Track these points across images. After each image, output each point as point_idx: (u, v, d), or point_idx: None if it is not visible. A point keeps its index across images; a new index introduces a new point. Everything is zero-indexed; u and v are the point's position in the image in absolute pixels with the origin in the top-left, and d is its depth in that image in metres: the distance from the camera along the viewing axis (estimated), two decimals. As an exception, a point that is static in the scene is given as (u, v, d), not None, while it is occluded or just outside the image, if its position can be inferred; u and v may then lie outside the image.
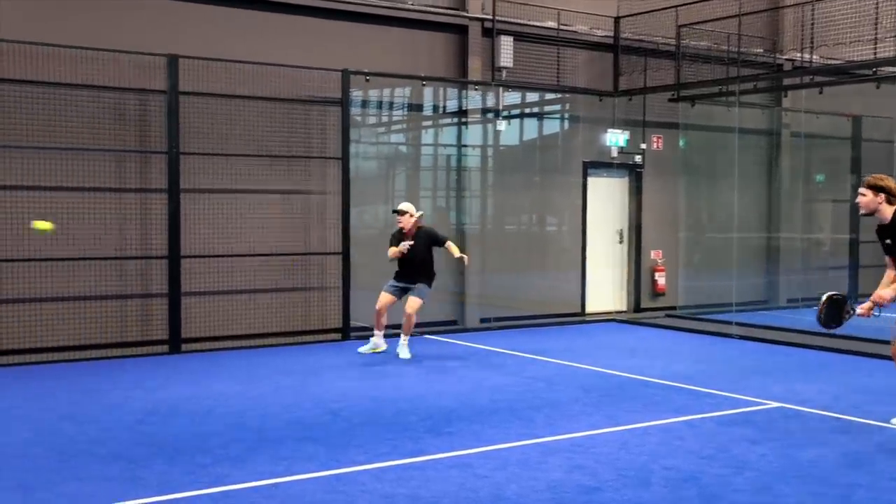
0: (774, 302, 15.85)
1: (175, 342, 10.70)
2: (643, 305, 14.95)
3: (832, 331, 7.38)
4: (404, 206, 10.50)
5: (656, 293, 15.08)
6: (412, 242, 10.26)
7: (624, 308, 14.98)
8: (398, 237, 10.42)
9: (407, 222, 10.34)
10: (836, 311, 6.95)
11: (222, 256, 11.19)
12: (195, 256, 10.93)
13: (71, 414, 7.60)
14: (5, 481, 5.72)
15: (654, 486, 5.77)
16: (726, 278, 14.03)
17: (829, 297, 6.97)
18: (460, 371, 9.61)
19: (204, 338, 11.03)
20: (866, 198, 6.92)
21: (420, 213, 10.59)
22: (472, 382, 9.12)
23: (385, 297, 10.54)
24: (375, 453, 6.44)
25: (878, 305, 6.82)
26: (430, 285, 10.50)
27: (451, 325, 12.94)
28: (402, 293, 10.53)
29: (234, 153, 11.22)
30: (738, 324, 12.89)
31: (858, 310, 6.91)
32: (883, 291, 6.83)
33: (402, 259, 10.33)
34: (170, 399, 8.16)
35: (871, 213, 6.97)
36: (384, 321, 10.63)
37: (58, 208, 10.15)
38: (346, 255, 11.78)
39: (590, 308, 14.60)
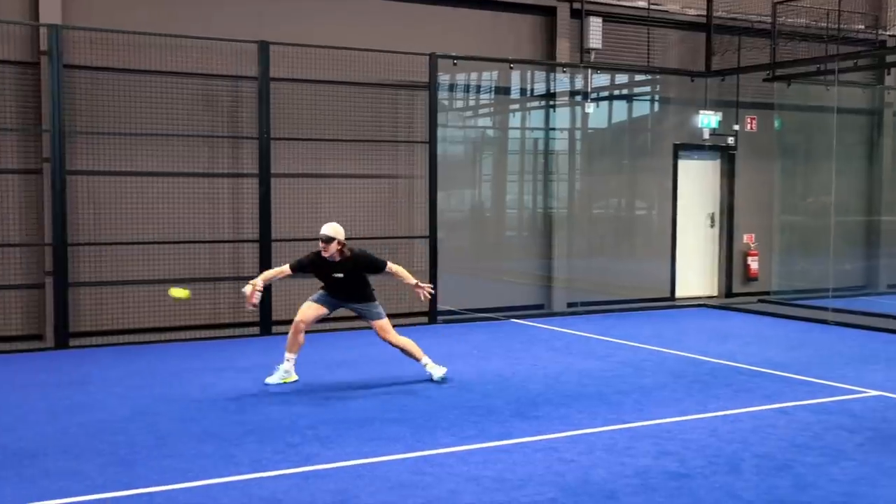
0: (874, 287, 15.33)
1: (266, 324, 10.91)
2: (735, 291, 14.63)
3: None
4: (330, 229, 8.01)
5: (749, 278, 14.75)
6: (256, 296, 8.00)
7: (715, 293, 14.69)
8: (318, 263, 8.14)
9: (332, 250, 8.01)
10: None
11: (312, 240, 11.31)
12: (286, 240, 11.11)
13: (165, 394, 7.83)
14: (107, 457, 5.93)
15: (746, 473, 5.65)
16: (823, 263, 13.63)
17: None
18: (547, 355, 9.56)
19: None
20: None
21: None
22: (559, 367, 9.07)
23: (311, 310, 8.14)
24: (462, 436, 6.46)
25: None
26: (375, 299, 8.36)
27: (538, 309, 12.87)
28: (334, 308, 8.31)
29: (323, 138, 11.36)
30: (834, 310, 12.51)
31: None
32: None
33: (328, 284, 8.23)
34: (260, 380, 8.32)
35: None
36: (302, 340, 8.19)
37: (151, 193, 10.50)
38: (433, 238, 11.82)
39: (680, 293, 14.35)
